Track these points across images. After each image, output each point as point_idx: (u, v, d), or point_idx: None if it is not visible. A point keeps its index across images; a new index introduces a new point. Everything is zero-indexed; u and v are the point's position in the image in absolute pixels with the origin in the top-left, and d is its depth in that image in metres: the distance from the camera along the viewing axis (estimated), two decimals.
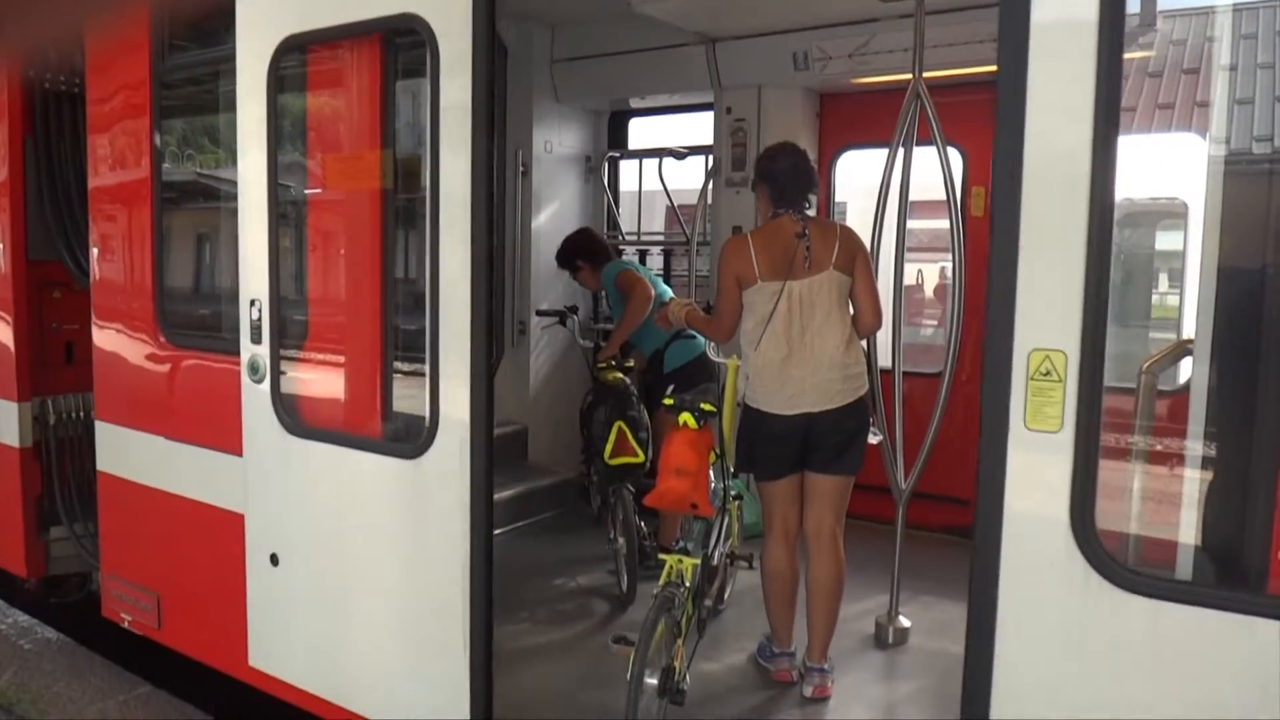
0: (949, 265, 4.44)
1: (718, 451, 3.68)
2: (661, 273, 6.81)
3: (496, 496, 3.31)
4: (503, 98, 5.39)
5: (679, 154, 6.31)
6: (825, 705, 3.63)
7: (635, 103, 6.62)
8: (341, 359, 3.62)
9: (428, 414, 3.13)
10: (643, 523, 4.66)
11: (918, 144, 3.99)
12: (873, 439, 3.80)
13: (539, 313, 5.94)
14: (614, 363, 4.74)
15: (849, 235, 3.64)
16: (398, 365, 3.44)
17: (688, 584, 3.36)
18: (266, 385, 3.60)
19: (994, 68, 2.20)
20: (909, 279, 6.12)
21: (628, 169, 6.86)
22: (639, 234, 6.96)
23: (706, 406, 3.47)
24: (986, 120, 2.33)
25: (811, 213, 3.71)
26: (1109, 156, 2.09)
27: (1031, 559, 2.21)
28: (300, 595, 3.62)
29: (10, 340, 4.92)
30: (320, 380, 3.68)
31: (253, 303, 3.62)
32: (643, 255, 6.94)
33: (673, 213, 6.97)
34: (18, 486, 4.97)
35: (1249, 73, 3.35)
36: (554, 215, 6.32)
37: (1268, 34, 3.59)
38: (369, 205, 3.43)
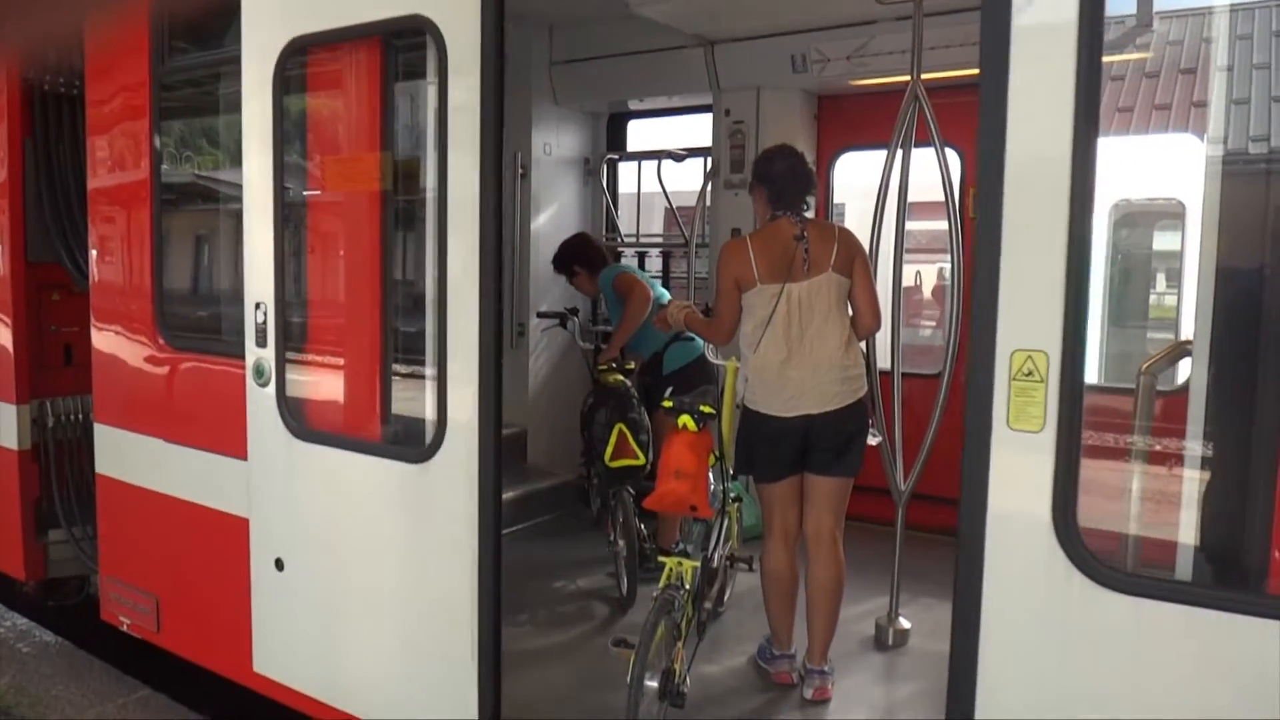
0: (947, 266, 4.45)
1: (717, 454, 3.68)
2: (660, 275, 6.82)
3: None
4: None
5: (678, 156, 6.31)
6: (825, 707, 3.63)
7: (634, 105, 6.63)
8: (348, 362, 3.60)
9: (435, 418, 3.11)
10: (642, 525, 4.66)
11: (916, 145, 4.00)
12: (872, 440, 3.80)
13: (539, 314, 5.94)
14: (614, 365, 4.75)
15: (847, 237, 3.65)
16: (405, 368, 3.43)
17: (688, 586, 3.36)
18: (272, 389, 3.59)
19: None
20: (908, 280, 6.12)
21: (626, 171, 6.87)
22: (638, 236, 6.97)
23: (706, 409, 3.47)
24: None
25: (810, 215, 3.72)
26: (1089, 158, 2.11)
27: (1015, 557, 2.24)
28: (305, 600, 3.60)
29: (9, 342, 4.92)
30: (326, 384, 3.66)
31: (257, 306, 3.61)
32: (641, 257, 6.95)
33: (671, 215, 6.97)
34: (16, 489, 4.96)
35: (1245, 73, 3.36)
36: (553, 217, 6.33)
37: (1264, 35, 3.60)
38: (374, 207, 3.42)
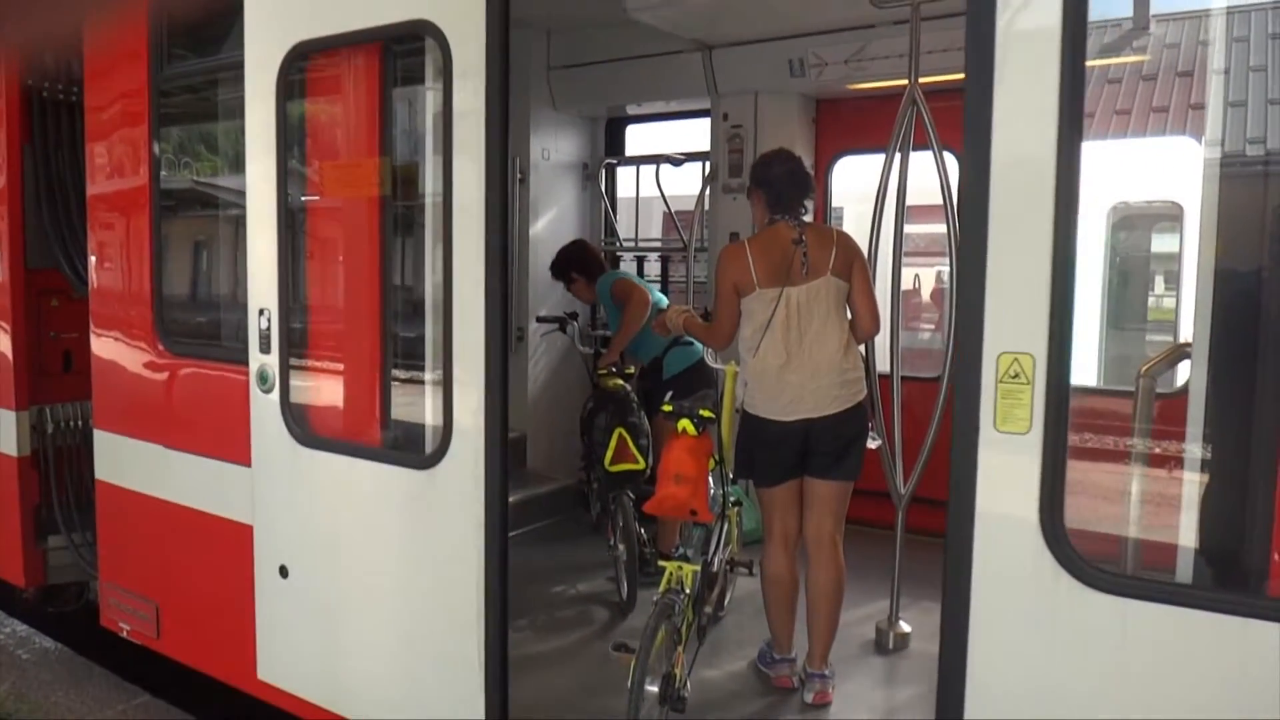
0: (946, 270, 4.45)
1: (717, 458, 3.68)
2: (659, 279, 6.83)
3: None
4: None
5: (676, 160, 6.32)
6: (826, 711, 3.63)
7: (632, 109, 6.64)
8: (352, 368, 3.59)
9: (441, 423, 3.10)
10: (642, 530, 4.66)
11: (914, 149, 4.00)
12: (872, 444, 3.80)
13: (539, 319, 5.95)
14: (615, 369, 4.75)
15: (846, 241, 3.65)
16: (410, 374, 3.42)
17: (688, 591, 3.36)
18: (276, 395, 3.57)
19: None
20: (906, 284, 6.13)
21: (625, 176, 6.88)
22: (636, 241, 6.97)
23: (705, 413, 3.47)
24: None
25: (808, 218, 3.72)
26: (1073, 162, 2.13)
27: (1002, 558, 2.25)
28: (310, 607, 3.58)
29: (9, 348, 4.92)
30: (331, 390, 3.64)
31: (261, 312, 3.59)
32: (640, 262, 6.96)
33: (670, 219, 6.98)
34: (16, 495, 4.96)
35: (1241, 76, 3.37)
36: (552, 222, 6.33)
37: (1260, 37, 3.61)
38: (377, 212, 3.41)
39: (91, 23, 4.34)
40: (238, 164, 3.73)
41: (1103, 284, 5.97)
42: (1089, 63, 2.14)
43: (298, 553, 3.61)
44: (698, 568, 3.47)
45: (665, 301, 5.14)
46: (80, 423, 5.01)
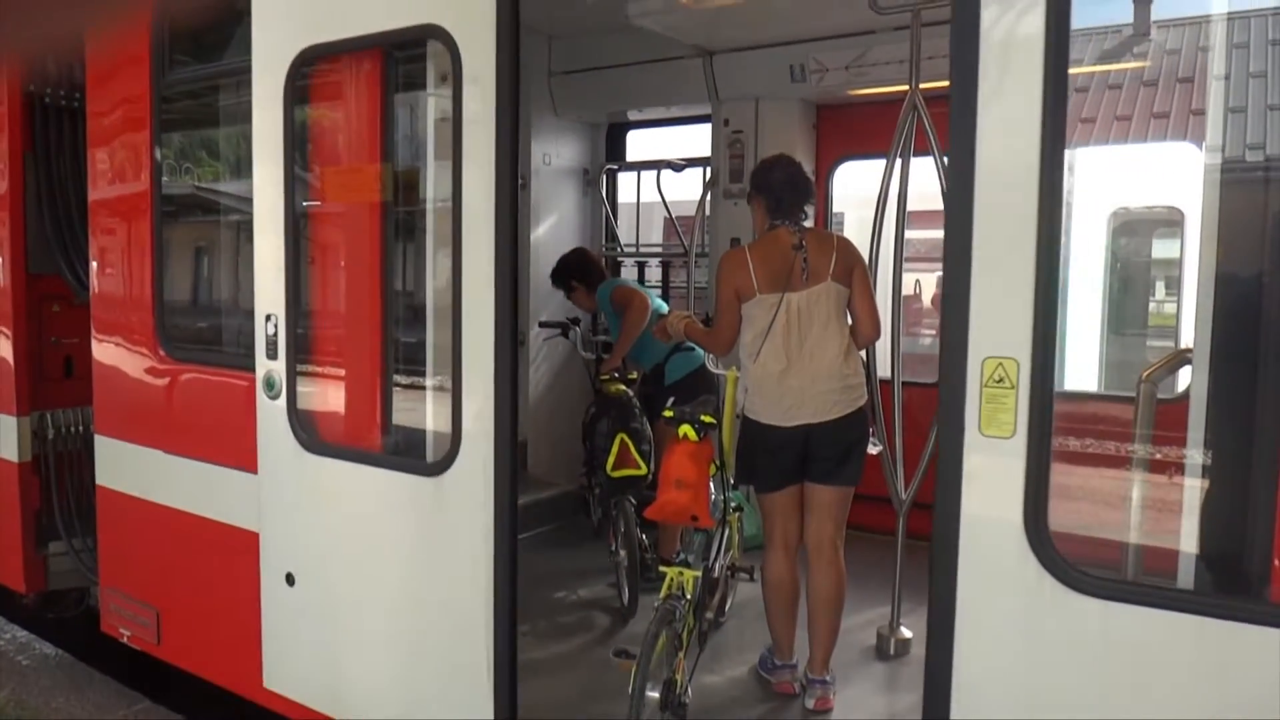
0: None
1: (718, 463, 3.68)
2: (660, 285, 6.83)
3: None
4: None
5: (677, 166, 6.32)
6: (827, 717, 3.62)
7: (633, 115, 6.65)
8: (360, 375, 3.56)
9: (450, 430, 3.09)
10: (643, 535, 4.65)
11: (915, 154, 4.01)
12: (872, 449, 3.80)
13: (541, 324, 5.95)
14: (617, 374, 4.75)
15: (846, 246, 3.65)
16: (419, 380, 3.41)
17: (689, 596, 3.36)
18: (283, 401, 3.55)
19: None
20: (907, 289, 6.13)
21: (626, 181, 6.88)
22: (637, 246, 6.98)
23: (707, 418, 3.47)
24: None
25: (809, 224, 3.72)
26: (1056, 168, 2.15)
27: (987, 562, 2.27)
28: (318, 615, 3.55)
29: (10, 354, 4.92)
30: (338, 396, 3.62)
31: (268, 317, 3.57)
32: (641, 267, 6.96)
33: (671, 225, 6.99)
34: (16, 501, 4.95)
35: (1242, 82, 3.37)
36: (553, 228, 6.34)
37: (1260, 43, 3.61)
38: (377, 218, 3.40)
39: (93, 28, 4.35)
40: (239, 169, 3.73)
41: (1104, 289, 5.98)
42: (1090, 69, 2.16)
43: (305, 560, 3.59)
44: (699, 573, 3.46)
45: (665, 307, 5.15)
46: (81, 428, 5.01)
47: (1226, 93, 3.04)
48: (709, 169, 5.92)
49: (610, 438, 4.51)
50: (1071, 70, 2.19)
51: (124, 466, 4.32)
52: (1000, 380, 2.21)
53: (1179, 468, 2.48)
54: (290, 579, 3.61)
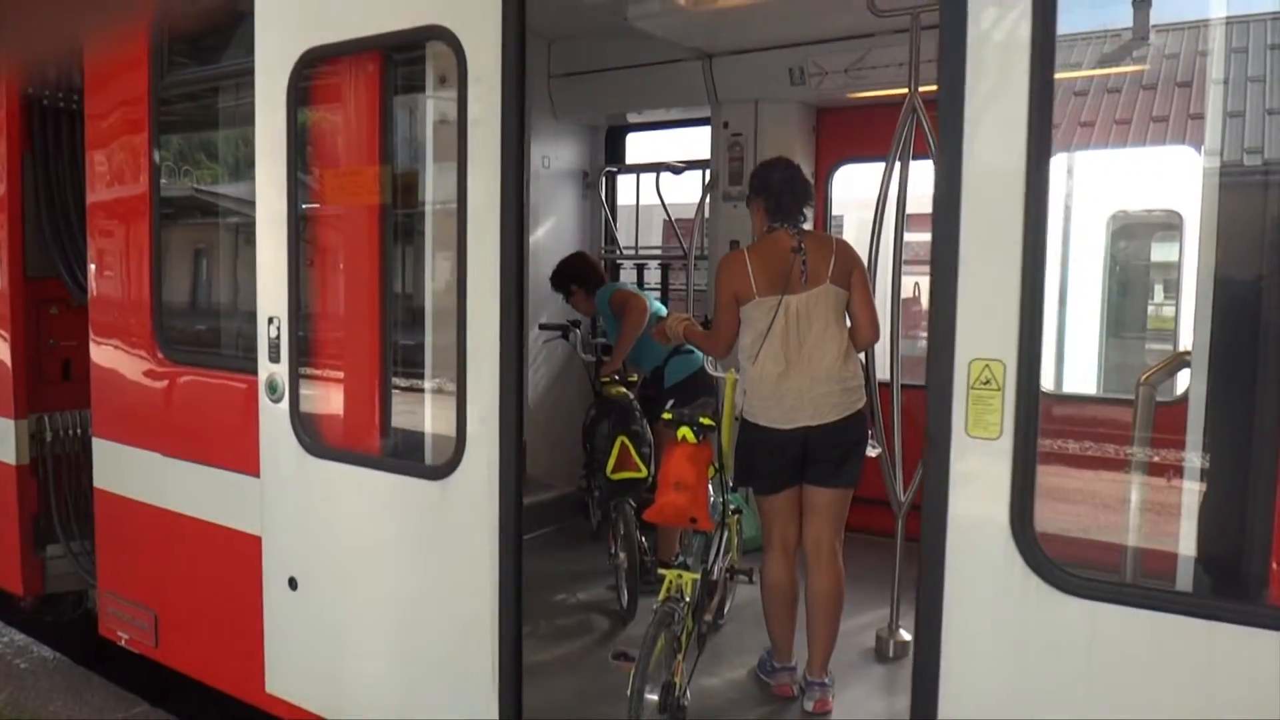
0: None
1: (717, 465, 3.68)
2: (659, 287, 6.83)
3: None
4: None
5: (676, 168, 6.33)
6: (826, 719, 3.61)
7: (632, 118, 6.65)
8: (364, 378, 3.54)
9: (455, 433, 3.07)
10: (643, 538, 4.65)
11: (914, 157, 4.01)
12: (871, 452, 3.80)
13: (542, 326, 5.95)
14: (617, 377, 4.75)
15: (845, 249, 3.65)
16: (423, 383, 3.40)
17: (687, 599, 3.35)
18: (285, 405, 3.53)
19: None
20: (906, 292, 6.13)
21: (625, 184, 6.89)
22: (637, 248, 6.98)
23: (705, 421, 3.47)
24: None
25: (808, 227, 3.72)
26: (1042, 171, 2.16)
27: (974, 562, 2.28)
28: (321, 620, 3.54)
29: (8, 357, 4.92)
30: (341, 399, 3.61)
31: (271, 320, 3.56)
32: (640, 270, 6.96)
33: (670, 227, 6.99)
34: (14, 504, 4.95)
35: (1240, 86, 3.37)
36: (552, 230, 6.34)
37: (1258, 48, 3.62)
38: (378, 220, 3.39)
39: (92, 31, 4.35)
40: (239, 172, 3.72)
41: (1102, 292, 5.98)
42: (1090, 73, 2.17)
43: (308, 564, 3.57)
44: (697, 576, 3.46)
45: (664, 310, 5.15)
46: (79, 431, 5.01)
47: (1225, 97, 3.04)
48: (708, 172, 5.92)
49: (611, 440, 4.51)
50: (1071, 74, 2.21)
51: (122, 469, 4.32)
52: (987, 382, 2.22)
53: (1177, 470, 2.49)
54: (293, 583, 3.59)
